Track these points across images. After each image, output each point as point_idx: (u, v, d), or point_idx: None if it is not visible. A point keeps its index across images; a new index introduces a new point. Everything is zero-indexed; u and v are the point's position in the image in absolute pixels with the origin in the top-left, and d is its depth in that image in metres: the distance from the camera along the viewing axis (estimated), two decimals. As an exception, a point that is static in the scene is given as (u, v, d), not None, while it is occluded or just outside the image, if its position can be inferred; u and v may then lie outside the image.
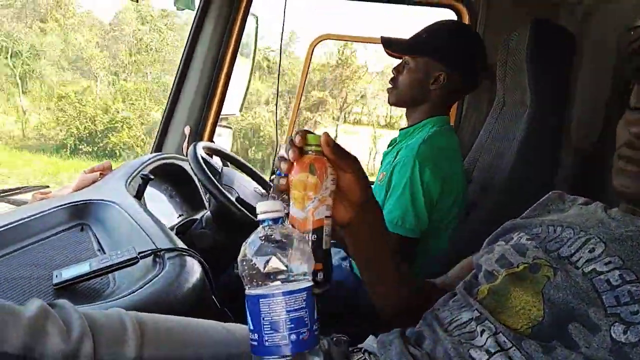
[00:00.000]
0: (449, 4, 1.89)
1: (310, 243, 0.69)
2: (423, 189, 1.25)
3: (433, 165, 1.26)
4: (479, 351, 0.62)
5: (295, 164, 0.68)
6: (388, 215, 1.27)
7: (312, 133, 0.69)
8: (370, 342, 0.76)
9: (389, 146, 1.47)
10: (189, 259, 0.90)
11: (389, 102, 1.47)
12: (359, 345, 0.78)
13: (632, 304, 0.57)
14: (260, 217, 0.60)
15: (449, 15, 1.91)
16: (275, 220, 0.60)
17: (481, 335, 0.64)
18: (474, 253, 0.89)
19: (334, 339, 0.78)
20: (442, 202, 1.30)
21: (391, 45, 1.42)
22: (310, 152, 0.70)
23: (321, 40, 2.18)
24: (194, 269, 0.87)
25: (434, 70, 1.35)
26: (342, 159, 0.68)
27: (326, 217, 0.71)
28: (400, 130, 1.46)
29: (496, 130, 1.59)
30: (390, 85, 1.44)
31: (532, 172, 1.36)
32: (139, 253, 0.87)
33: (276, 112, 1.38)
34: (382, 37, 1.45)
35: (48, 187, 1.61)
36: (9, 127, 15.11)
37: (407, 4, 1.91)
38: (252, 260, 0.57)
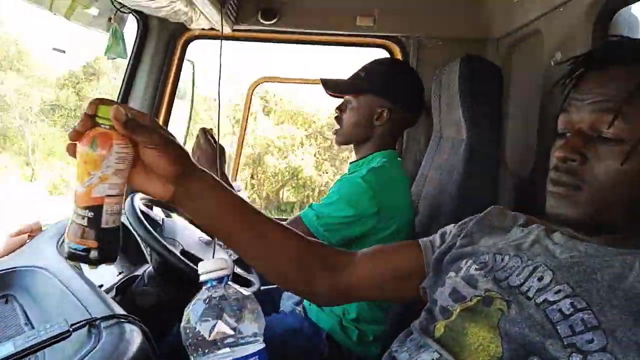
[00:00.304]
0: (381, 44, 1.96)
1: (85, 220, 0.69)
2: (354, 210, 1.24)
3: (374, 193, 1.25)
4: None
5: (84, 135, 0.67)
6: (308, 208, 1.27)
7: (107, 104, 0.67)
8: None
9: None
10: (128, 325, 0.83)
11: (336, 143, 1.48)
12: None
13: (586, 332, 0.57)
14: (202, 277, 0.56)
15: (381, 54, 1.98)
16: (220, 280, 0.57)
17: None
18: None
19: None
20: (378, 233, 1.29)
21: (331, 87, 1.45)
22: (102, 126, 0.68)
23: (260, 83, 2.19)
24: (134, 337, 0.80)
25: (377, 107, 1.37)
26: (137, 134, 0.67)
27: (108, 195, 0.69)
28: (350, 163, 1.47)
29: (437, 161, 1.63)
30: (336, 126, 1.45)
31: (475, 200, 1.39)
32: (72, 325, 0.79)
33: (217, 151, 1.37)
34: (321, 79, 1.47)
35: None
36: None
37: (341, 45, 1.96)
38: (196, 328, 0.53)
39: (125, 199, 0.74)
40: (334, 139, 1.47)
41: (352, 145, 1.48)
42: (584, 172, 0.66)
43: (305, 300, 1.47)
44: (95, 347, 0.75)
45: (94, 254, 0.71)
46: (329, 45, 1.97)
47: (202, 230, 1.40)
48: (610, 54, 0.68)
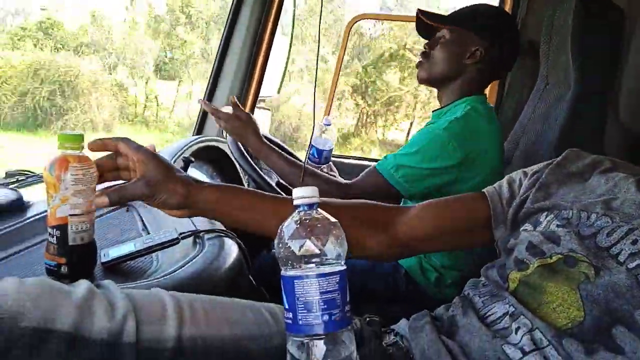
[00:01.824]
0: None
1: (54, 238, 0.79)
2: (435, 163, 1.21)
3: (457, 144, 1.20)
4: (513, 348, 0.60)
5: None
6: (384, 158, 1.26)
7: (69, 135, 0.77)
8: (403, 324, 0.77)
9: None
10: (227, 240, 0.93)
11: (418, 79, 1.40)
12: (392, 327, 0.79)
13: None
14: (295, 202, 0.62)
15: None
16: (310, 206, 0.62)
17: (516, 333, 0.62)
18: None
19: (367, 319, 0.80)
20: (460, 183, 1.25)
21: (429, 16, 1.37)
22: (62, 151, 0.78)
23: (358, 20, 2.16)
24: (232, 250, 0.90)
25: (471, 44, 1.30)
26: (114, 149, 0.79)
27: (72, 215, 0.78)
28: (433, 112, 1.41)
29: (538, 111, 1.54)
30: (420, 60, 1.38)
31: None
32: (180, 234, 0.91)
33: (314, 93, 1.39)
34: (419, 9, 1.40)
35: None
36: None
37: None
38: (287, 244, 0.59)
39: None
40: (417, 74, 1.39)
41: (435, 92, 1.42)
42: None
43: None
44: (199, 254, 0.87)
45: (64, 269, 0.80)
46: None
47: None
48: None
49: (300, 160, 1.73)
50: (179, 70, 13.35)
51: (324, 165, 1.62)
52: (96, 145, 0.79)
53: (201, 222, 0.99)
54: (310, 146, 1.55)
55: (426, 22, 1.36)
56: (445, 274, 1.34)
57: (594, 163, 0.77)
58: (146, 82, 12.86)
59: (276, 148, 1.39)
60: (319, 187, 1.22)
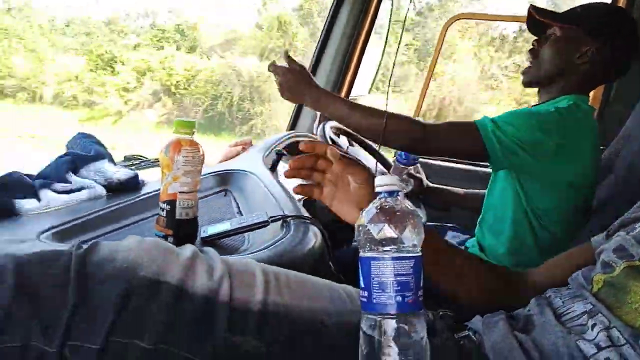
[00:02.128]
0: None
1: (164, 212, 0.90)
2: (538, 120, 1.17)
3: (555, 131, 1.16)
4: (588, 344, 0.61)
5: None
6: (485, 118, 1.21)
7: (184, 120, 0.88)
8: (476, 320, 0.78)
9: None
10: (311, 226, 1.00)
11: (523, 82, 1.37)
12: (465, 323, 0.81)
13: None
14: (377, 189, 0.65)
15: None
16: (390, 193, 0.65)
17: (592, 329, 0.62)
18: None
19: (440, 313, 0.82)
20: (550, 174, 1.21)
21: (540, 12, 1.33)
22: (179, 136, 0.89)
23: (455, 20, 2.14)
24: (316, 236, 0.96)
25: (582, 43, 1.25)
26: (350, 168, 0.83)
27: (181, 192, 0.89)
28: (532, 107, 1.36)
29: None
30: (527, 64, 1.35)
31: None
32: (270, 217, 0.99)
33: (389, 85, 1.41)
34: (531, 5, 1.36)
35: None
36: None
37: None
38: (367, 227, 0.63)
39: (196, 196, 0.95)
40: (522, 78, 1.36)
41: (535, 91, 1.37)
42: None
43: (468, 244, 1.50)
44: (285, 237, 0.94)
45: (170, 240, 0.91)
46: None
47: None
48: None
49: (389, 164, 1.77)
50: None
51: (412, 167, 1.64)
52: (309, 147, 0.86)
53: (289, 208, 1.06)
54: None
55: (537, 19, 1.32)
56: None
57: None
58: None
59: (335, 94, 1.38)
60: (400, 126, 1.24)
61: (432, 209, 1.73)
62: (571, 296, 0.71)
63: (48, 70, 14.40)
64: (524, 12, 1.37)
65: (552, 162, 1.19)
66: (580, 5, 1.31)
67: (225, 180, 1.31)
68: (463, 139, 1.21)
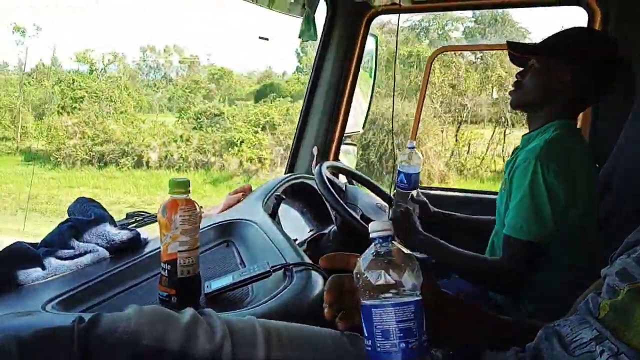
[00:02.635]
0: (577, 1, 1.76)
1: (166, 271, 0.91)
2: (548, 191, 1.19)
3: (557, 166, 1.19)
4: None
5: None
6: (511, 220, 1.25)
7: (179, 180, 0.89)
8: (487, 357, 0.77)
9: (511, 154, 1.43)
10: (313, 272, 1.00)
11: (511, 105, 1.43)
12: None
13: None
14: (371, 235, 0.66)
15: (577, 12, 1.79)
16: (385, 239, 0.65)
17: (600, 356, 0.62)
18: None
19: (450, 352, 0.81)
20: (571, 207, 1.22)
21: (518, 47, 1.39)
22: (171, 196, 0.90)
23: (440, 53, 2.19)
24: (318, 282, 0.97)
25: (560, 72, 1.29)
26: None
27: (180, 251, 0.90)
28: (522, 136, 1.41)
29: (636, 134, 1.45)
30: (513, 88, 1.40)
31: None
32: (272, 267, 1.00)
33: (392, 126, 1.45)
34: (507, 41, 1.43)
35: (201, 207, 1.88)
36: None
37: (530, 6, 1.83)
38: (365, 274, 0.64)
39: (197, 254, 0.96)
40: (510, 100, 1.41)
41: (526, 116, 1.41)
42: None
43: None
44: (288, 286, 0.94)
45: (174, 299, 0.92)
46: (516, 7, 1.86)
47: None
48: None
49: (388, 198, 1.77)
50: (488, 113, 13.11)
51: (414, 191, 1.64)
52: (327, 262, 0.78)
53: (290, 256, 1.07)
54: (398, 172, 1.59)
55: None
56: (524, 296, 1.32)
57: None
58: (457, 129, 13.14)
59: (436, 240, 1.42)
60: (478, 270, 1.35)
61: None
62: (579, 322, 0.71)
63: (146, 131, 14.39)
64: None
65: (570, 196, 1.23)
66: (556, 34, 1.36)
67: (226, 230, 1.32)
68: (522, 255, 1.24)
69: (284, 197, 1.53)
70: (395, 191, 1.64)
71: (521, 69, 1.39)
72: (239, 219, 1.35)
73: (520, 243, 1.23)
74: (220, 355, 0.65)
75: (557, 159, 1.21)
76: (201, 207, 1.86)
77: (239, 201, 1.62)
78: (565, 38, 1.34)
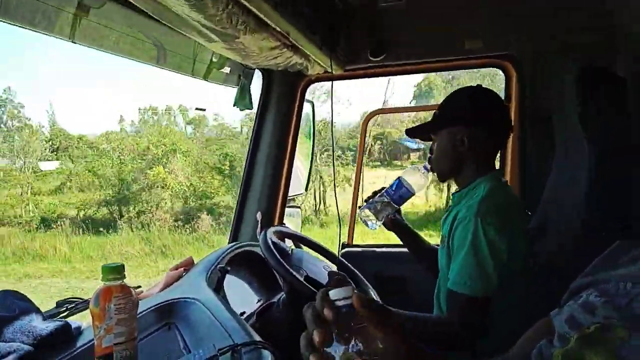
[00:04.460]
0: (494, 63, 1.92)
1: None
2: (489, 248, 1.23)
3: (496, 222, 1.25)
4: None
5: None
6: (455, 276, 1.27)
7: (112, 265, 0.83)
8: None
9: (445, 212, 1.48)
10: (264, 352, 0.95)
11: (439, 179, 1.52)
12: None
13: None
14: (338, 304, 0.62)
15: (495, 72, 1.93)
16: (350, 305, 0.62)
17: None
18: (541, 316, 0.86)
19: None
20: (512, 260, 1.26)
21: (414, 133, 1.52)
22: (105, 283, 0.84)
23: (374, 115, 2.28)
24: (268, 361, 0.92)
25: (456, 136, 1.39)
26: (379, 325, 0.62)
27: (116, 344, 0.84)
28: (453, 194, 1.48)
29: (562, 178, 1.54)
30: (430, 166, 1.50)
31: (605, 218, 1.30)
32: (219, 350, 0.94)
33: (334, 184, 1.47)
34: (406, 130, 1.54)
35: (140, 287, 1.77)
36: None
37: (452, 70, 1.96)
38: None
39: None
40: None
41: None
42: None
43: None
44: (237, 370, 0.88)
45: None
46: (439, 71, 1.99)
47: None
48: None
49: (336, 259, 1.75)
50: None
51: (393, 207, 1.58)
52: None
53: (238, 335, 1.01)
54: (398, 179, 1.57)
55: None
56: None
57: None
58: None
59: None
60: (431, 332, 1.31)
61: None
62: None
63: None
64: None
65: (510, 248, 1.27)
66: (439, 107, 1.47)
67: (167, 312, 1.23)
68: (467, 310, 1.26)
69: (228, 268, 1.47)
70: (374, 198, 1.61)
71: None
72: (180, 298, 1.27)
73: (465, 299, 1.25)
74: None
75: (495, 214, 1.26)
76: (140, 287, 1.76)
77: (180, 277, 1.54)
78: (451, 104, 1.45)
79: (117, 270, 0.85)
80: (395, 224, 1.67)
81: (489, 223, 1.24)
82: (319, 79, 2.05)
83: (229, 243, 2.00)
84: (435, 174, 1.49)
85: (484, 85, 1.46)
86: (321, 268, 1.69)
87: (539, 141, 1.73)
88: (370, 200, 1.62)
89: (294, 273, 1.47)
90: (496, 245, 1.24)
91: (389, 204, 1.56)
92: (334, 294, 0.63)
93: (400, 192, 1.54)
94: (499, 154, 1.65)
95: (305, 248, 1.88)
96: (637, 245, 0.81)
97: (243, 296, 1.69)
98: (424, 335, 1.34)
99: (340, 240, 1.50)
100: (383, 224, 1.62)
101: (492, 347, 1.30)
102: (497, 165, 1.96)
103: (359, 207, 1.65)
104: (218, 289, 1.41)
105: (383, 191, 1.58)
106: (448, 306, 1.30)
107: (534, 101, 1.84)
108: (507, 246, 1.25)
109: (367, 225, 1.61)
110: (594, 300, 0.71)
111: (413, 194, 1.55)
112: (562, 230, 1.45)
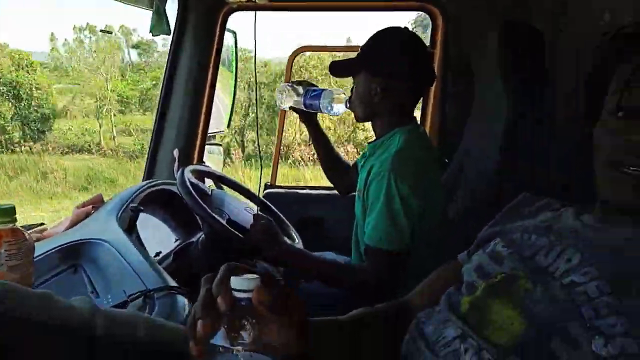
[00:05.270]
0: (421, 7, 1.90)
1: None
2: (402, 203, 1.24)
3: (410, 178, 1.25)
4: None
5: None
6: (370, 231, 1.28)
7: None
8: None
9: (361, 159, 1.47)
10: (179, 297, 0.92)
11: (356, 120, 1.49)
12: None
13: (610, 316, 0.57)
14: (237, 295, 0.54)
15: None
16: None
17: (465, 354, 0.64)
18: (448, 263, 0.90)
19: None
20: (426, 214, 1.29)
21: (335, 70, 1.46)
22: None
23: (300, 52, 2.20)
24: (183, 307, 0.89)
25: (372, 84, 1.34)
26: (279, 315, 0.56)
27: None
28: (368, 143, 1.45)
29: (479, 130, 1.60)
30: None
31: (517, 170, 1.38)
32: (129, 296, 0.89)
33: (257, 124, 1.41)
34: (331, 63, 1.47)
35: (44, 224, 1.63)
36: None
37: (379, 10, 1.92)
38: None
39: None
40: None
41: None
42: None
43: None
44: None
45: None
46: (367, 10, 1.93)
47: None
48: None
49: (260, 202, 1.72)
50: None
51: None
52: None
53: (151, 279, 0.97)
54: (322, 90, 1.49)
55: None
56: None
57: (546, 204, 0.83)
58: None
59: (299, 250, 1.41)
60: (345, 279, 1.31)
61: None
62: (442, 320, 0.73)
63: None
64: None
65: (426, 204, 1.30)
66: (361, 47, 1.40)
67: (73, 253, 1.15)
68: (383, 265, 1.27)
69: (141, 208, 1.39)
70: (295, 85, 1.57)
71: None
72: (88, 239, 1.19)
73: (380, 253, 1.27)
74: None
75: (408, 170, 1.26)
76: (43, 224, 1.63)
77: (87, 216, 1.43)
78: (369, 49, 1.38)
79: (7, 213, 0.76)
80: (307, 118, 1.62)
81: (403, 178, 1.24)
82: (241, 7, 1.92)
83: (143, 181, 1.89)
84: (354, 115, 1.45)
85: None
86: (243, 210, 1.65)
87: (460, 90, 1.77)
88: (291, 84, 1.60)
89: (216, 216, 1.42)
90: (410, 201, 1.25)
91: (298, 101, 1.54)
92: (235, 282, 0.54)
93: (314, 102, 1.49)
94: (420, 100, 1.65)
95: (226, 189, 1.84)
96: (540, 198, 0.85)
97: (159, 236, 1.63)
98: (330, 278, 1.37)
99: (260, 181, 1.44)
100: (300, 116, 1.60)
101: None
102: (419, 111, 1.99)
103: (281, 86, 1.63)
104: (130, 229, 1.33)
105: (306, 88, 1.54)
106: (365, 258, 1.33)
107: (458, 50, 1.86)
108: (422, 200, 1.27)
109: (278, 101, 1.62)
110: (500, 250, 0.74)
111: (320, 112, 1.52)
112: (476, 181, 1.52)
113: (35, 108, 13.05)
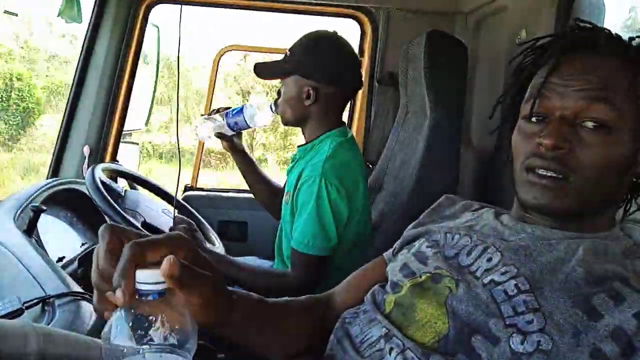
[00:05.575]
0: (350, 14, 1.93)
1: None
2: (331, 208, 1.25)
3: (339, 183, 1.25)
4: None
5: None
6: (298, 235, 1.27)
7: None
8: None
9: (291, 163, 1.45)
10: (83, 303, 0.83)
11: (283, 124, 1.45)
12: None
13: (527, 313, 0.59)
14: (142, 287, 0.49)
15: (351, 24, 1.95)
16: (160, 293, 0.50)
17: (390, 354, 0.64)
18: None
19: None
20: (352, 219, 1.30)
21: (261, 72, 1.43)
22: None
23: (227, 51, 2.14)
24: (89, 314, 0.80)
25: (303, 86, 1.33)
26: (190, 290, 0.52)
27: None
28: (298, 147, 1.43)
29: (402, 136, 1.64)
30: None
31: (436, 177, 1.42)
32: (24, 303, 0.79)
33: (177, 122, 1.35)
34: (255, 64, 1.44)
35: None
36: None
37: (309, 14, 1.92)
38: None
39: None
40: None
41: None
42: (571, 161, 0.65)
43: None
44: (48, 325, 0.75)
45: None
46: (296, 13, 1.93)
47: None
48: (586, 41, 0.68)
49: (172, 199, 1.63)
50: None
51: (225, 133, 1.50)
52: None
53: (51, 285, 0.87)
54: (242, 106, 1.45)
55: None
56: None
57: (466, 205, 0.86)
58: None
59: (223, 256, 1.35)
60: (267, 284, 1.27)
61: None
62: (368, 320, 0.72)
63: None
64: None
65: (351, 208, 1.30)
66: (290, 49, 1.38)
67: (-40, 257, 1.01)
68: (307, 267, 1.27)
69: (43, 208, 1.26)
70: (213, 114, 1.50)
71: None
72: (-23, 241, 1.05)
73: (307, 257, 1.26)
74: None
75: (338, 175, 1.26)
76: None
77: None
78: (296, 53, 1.36)
79: None
80: (232, 146, 1.54)
81: (332, 184, 1.24)
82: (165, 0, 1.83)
83: (47, 179, 1.73)
84: (280, 117, 1.42)
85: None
86: (160, 212, 1.56)
87: (386, 98, 1.80)
88: (209, 114, 1.52)
89: (130, 218, 1.33)
90: (338, 206, 1.26)
91: (222, 126, 1.48)
92: (141, 275, 0.48)
93: (237, 119, 1.45)
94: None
95: (142, 190, 1.73)
96: (461, 199, 0.88)
97: (63, 239, 1.49)
98: (254, 284, 1.27)
99: (178, 183, 1.35)
100: (223, 143, 1.53)
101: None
102: (346, 115, 2.00)
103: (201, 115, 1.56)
104: (29, 231, 1.20)
105: (224, 111, 1.48)
106: (290, 262, 1.30)
107: (385, 59, 1.91)
108: (350, 204, 1.28)
109: (197, 135, 1.56)
110: (425, 250, 0.75)
111: (249, 127, 1.47)
112: (397, 187, 1.56)
113: None
